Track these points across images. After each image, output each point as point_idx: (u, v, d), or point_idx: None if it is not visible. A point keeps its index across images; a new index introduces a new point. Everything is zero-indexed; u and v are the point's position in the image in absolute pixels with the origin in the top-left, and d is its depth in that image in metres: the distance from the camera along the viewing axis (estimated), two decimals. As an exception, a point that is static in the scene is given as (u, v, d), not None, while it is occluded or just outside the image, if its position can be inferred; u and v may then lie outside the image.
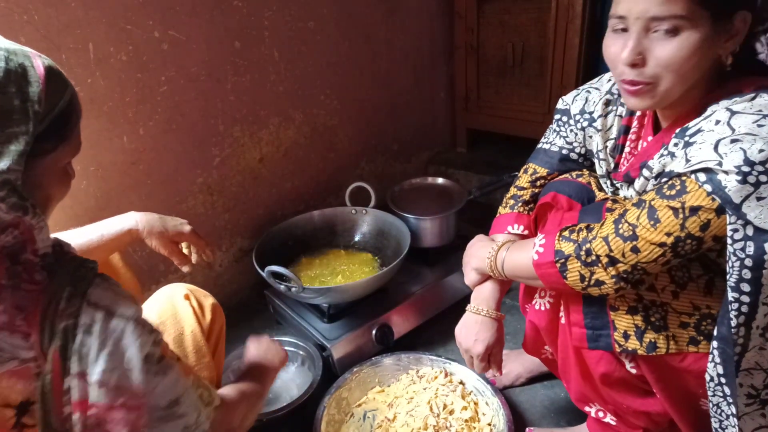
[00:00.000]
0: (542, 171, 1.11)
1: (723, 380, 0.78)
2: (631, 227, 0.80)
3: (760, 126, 0.70)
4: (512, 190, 1.15)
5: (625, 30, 0.80)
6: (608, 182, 1.03)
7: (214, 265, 1.70)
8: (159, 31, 1.36)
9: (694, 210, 0.73)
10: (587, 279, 0.85)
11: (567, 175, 1.08)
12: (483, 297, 1.08)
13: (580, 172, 1.08)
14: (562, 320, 0.99)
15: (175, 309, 0.93)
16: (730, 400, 0.77)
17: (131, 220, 1.05)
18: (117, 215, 1.06)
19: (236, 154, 1.65)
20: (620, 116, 0.99)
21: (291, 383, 1.46)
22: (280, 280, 1.36)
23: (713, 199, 0.71)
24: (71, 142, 0.65)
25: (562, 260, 0.87)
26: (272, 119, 1.72)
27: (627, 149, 0.98)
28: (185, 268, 1.15)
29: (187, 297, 0.95)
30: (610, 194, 1.01)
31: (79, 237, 1.00)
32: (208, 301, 0.99)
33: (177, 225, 1.10)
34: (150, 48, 1.36)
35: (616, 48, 0.81)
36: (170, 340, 0.89)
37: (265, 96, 1.67)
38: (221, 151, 1.61)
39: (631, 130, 0.97)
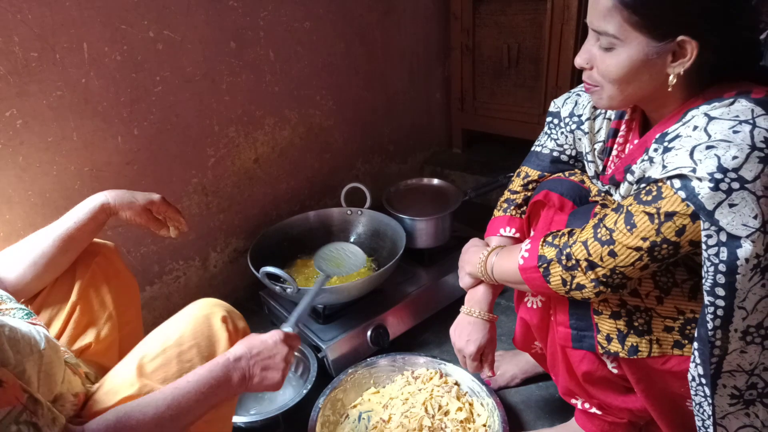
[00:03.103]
0: (534, 174, 1.14)
1: (703, 380, 0.79)
2: (608, 232, 0.81)
3: (735, 132, 0.70)
4: (506, 194, 1.17)
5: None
6: (599, 184, 1.04)
7: (209, 267, 1.70)
8: (154, 31, 1.36)
9: (669, 215, 0.74)
10: (569, 283, 0.87)
11: (560, 174, 1.10)
12: (476, 299, 1.11)
13: (572, 171, 1.10)
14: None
15: (212, 330, 0.91)
16: (710, 401, 0.79)
17: (100, 196, 1.05)
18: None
19: (231, 154, 1.65)
20: (609, 119, 1.00)
21: (286, 384, 1.46)
22: (275, 281, 1.36)
23: (687, 205, 0.72)
24: None
25: (545, 265, 0.89)
26: (267, 120, 1.72)
27: (614, 152, 0.99)
28: (163, 232, 1.15)
29: (224, 320, 0.93)
30: (602, 195, 1.02)
31: (56, 229, 1.00)
32: (241, 324, 0.98)
33: (146, 195, 1.10)
34: (145, 48, 1.35)
35: None
36: (202, 363, 0.87)
37: (260, 96, 1.67)
38: (216, 151, 1.60)
39: (619, 134, 0.98)
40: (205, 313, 0.93)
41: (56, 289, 1.02)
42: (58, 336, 1.00)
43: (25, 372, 0.71)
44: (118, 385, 0.82)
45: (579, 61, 0.85)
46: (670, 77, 0.78)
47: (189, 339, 0.88)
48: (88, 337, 1.02)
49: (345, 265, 1.20)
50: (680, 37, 0.74)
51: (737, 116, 0.72)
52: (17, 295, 0.94)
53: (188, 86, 1.47)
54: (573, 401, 1.12)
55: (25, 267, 0.96)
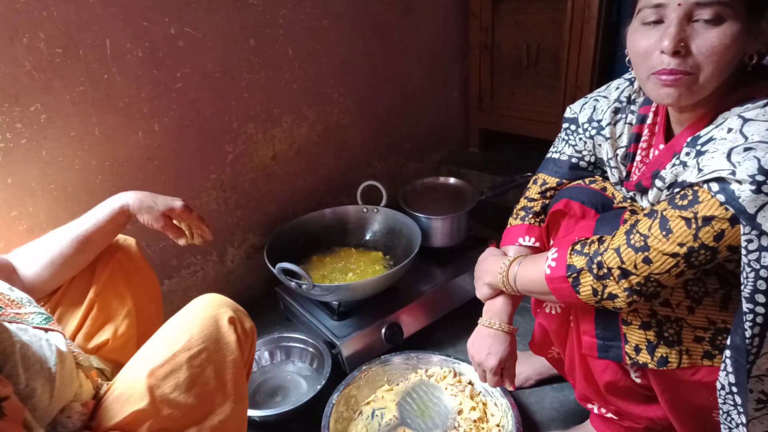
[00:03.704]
0: (552, 181, 1.10)
1: (734, 389, 0.77)
2: (642, 238, 0.78)
3: None
4: (522, 201, 1.14)
5: (658, 22, 0.77)
6: (623, 190, 1.02)
7: (225, 262, 1.72)
8: (175, 28, 1.37)
9: (707, 220, 0.72)
10: (600, 293, 0.84)
11: (580, 181, 1.07)
12: (495, 311, 1.07)
13: (593, 179, 1.06)
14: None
15: (220, 334, 0.88)
16: (741, 410, 0.77)
17: (121, 198, 1.05)
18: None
19: (249, 151, 1.66)
20: (630, 124, 0.98)
21: (300, 380, 1.47)
22: (291, 277, 1.37)
23: (726, 209, 0.70)
24: None
25: (575, 274, 0.86)
26: (286, 117, 1.73)
27: (638, 157, 0.96)
28: (181, 241, 1.14)
29: (232, 321, 0.90)
30: (629, 202, 0.99)
31: (77, 227, 1.01)
32: (248, 324, 0.96)
33: (168, 200, 1.09)
34: (166, 45, 1.37)
35: (649, 40, 0.79)
36: (212, 368, 0.85)
37: (278, 94, 1.68)
38: (235, 148, 1.62)
39: (642, 138, 0.96)
40: (212, 313, 0.90)
41: (74, 285, 1.03)
42: (75, 333, 1.01)
43: (36, 391, 0.70)
44: (128, 393, 0.80)
45: (672, 45, 0.74)
46: (747, 57, 0.77)
47: (198, 342, 0.85)
48: (105, 334, 1.03)
49: (426, 418, 1.14)
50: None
51: None
52: (34, 292, 0.95)
53: (208, 83, 1.49)
54: (589, 406, 1.11)
55: (43, 266, 0.97)
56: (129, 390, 0.80)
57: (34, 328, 0.78)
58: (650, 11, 0.78)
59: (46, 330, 0.80)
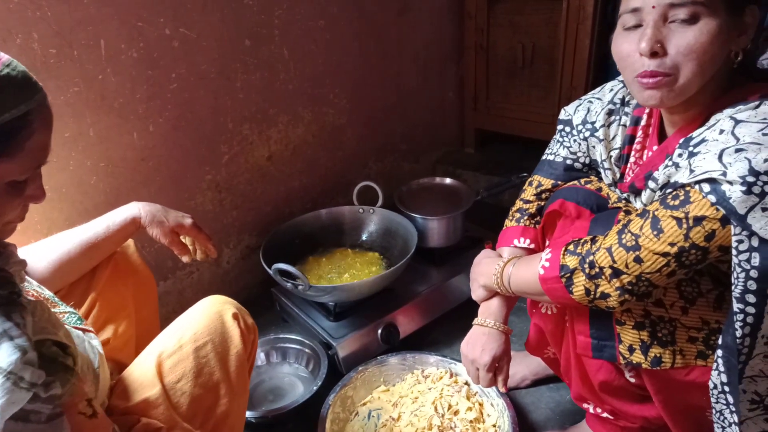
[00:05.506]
0: (547, 183, 1.10)
1: (726, 389, 0.77)
2: (634, 237, 0.79)
3: (764, 135, 0.69)
4: (518, 203, 1.14)
5: (637, 26, 0.79)
6: (618, 192, 1.02)
7: (221, 263, 1.71)
8: (170, 29, 1.37)
9: (698, 220, 0.72)
10: (592, 292, 0.84)
11: (575, 182, 1.07)
12: (490, 312, 1.08)
13: (588, 179, 1.07)
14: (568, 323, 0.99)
15: (225, 327, 0.94)
16: (733, 409, 0.77)
17: (134, 209, 1.07)
18: (121, 206, 1.08)
19: (245, 151, 1.66)
20: (624, 126, 0.98)
21: (296, 381, 1.47)
22: (287, 278, 1.37)
23: (717, 210, 0.70)
24: (17, 159, 0.61)
25: (568, 274, 0.86)
26: (281, 117, 1.73)
27: (632, 159, 0.97)
28: (185, 258, 1.16)
29: (235, 317, 0.96)
30: (623, 202, 1.00)
31: (87, 231, 1.01)
32: (250, 321, 1.01)
33: (178, 217, 1.11)
34: (161, 45, 1.36)
35: (630, 44, 0.80)
36: (217, 359, 0.90)
37: (274, 94, 1.67)
38: (230, 148, 1.62)
39: (636, 140, 0.96)
40: (217, 309, 0.95)
41: (75, 285, 1.03)
42: None
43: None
44: (139, 381, 0.84)
45: (648, 46, 0.75)
46: (733, 54, 0.77)
47: (204, 335, 0.90)
48: (106, 333, 1.04)
49: None
50: (749, 6, 0.74)
51: (765, 118, 0.71)
52: None
53: (203, 83, 1.48)
54: (584, 405, 1.11)
55: (49, 267, 0.97)
56: (140, 378, 0.85)
57: (74, 328, 0.80)
58: (629, 16, 0.79)
59: (84, 331, 0.83)
